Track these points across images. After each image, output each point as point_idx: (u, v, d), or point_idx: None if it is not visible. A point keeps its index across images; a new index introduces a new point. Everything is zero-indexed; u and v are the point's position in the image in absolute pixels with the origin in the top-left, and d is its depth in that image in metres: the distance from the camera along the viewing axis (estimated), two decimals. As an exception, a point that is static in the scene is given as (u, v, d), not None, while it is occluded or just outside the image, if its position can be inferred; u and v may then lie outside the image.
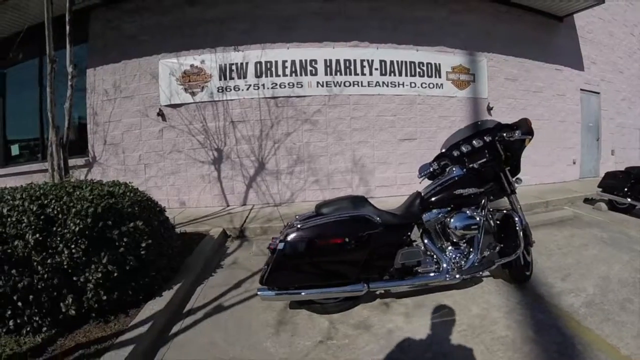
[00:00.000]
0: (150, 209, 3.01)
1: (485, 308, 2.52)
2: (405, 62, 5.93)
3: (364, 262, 2.35)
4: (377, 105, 5.87)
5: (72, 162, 5.58)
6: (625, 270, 3.11)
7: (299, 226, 2.29)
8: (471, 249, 2.62)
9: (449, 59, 6.16)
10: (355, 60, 5.74)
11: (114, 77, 5.61)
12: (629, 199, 4.87)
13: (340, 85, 5.71)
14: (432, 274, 2.55)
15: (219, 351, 2.15)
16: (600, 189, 5.33)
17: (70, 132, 3.72)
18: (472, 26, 6.31)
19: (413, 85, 6.00)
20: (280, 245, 2.23)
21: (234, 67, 5.56)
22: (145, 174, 5.70)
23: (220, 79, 5.56)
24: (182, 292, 2.90)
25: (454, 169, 2.76)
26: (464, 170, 2.70)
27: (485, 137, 2.63)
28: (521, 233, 2.60)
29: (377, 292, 2.72)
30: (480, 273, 2.62)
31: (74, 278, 2.27)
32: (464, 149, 2.71)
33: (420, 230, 2.69)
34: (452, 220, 2.56)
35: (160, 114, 5.58)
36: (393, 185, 6.01)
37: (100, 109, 5.66)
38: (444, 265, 2.54)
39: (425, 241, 2.61)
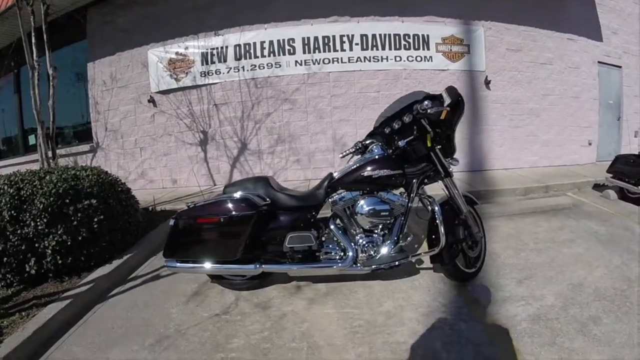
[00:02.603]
0: (110, 189, 3.32)
1: (400, 305, 2.29)
2: (389, 35, 5.69)
3: (252, 242, 2.36)
4: (359, 82, 5.73)
5: (79, 148, 6.24)
6: (610, 278, 2.51)
7: (189, 205, 2.44)
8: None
9: (439, 29, 5.80)
10: (334, 37, 5.62)
11: (110, 68, 6.09)
12: None
13: (319, 63, 5.64)
14: (334, 262, 2.41)
15: (136, 311, 2.48)
16: (610, 175, 4.56)
17: (55, 126, 4.19)
18: (467, -7, 5.86)
19: (398, 59, 5.75)
20: (171, 222, 2.39)
21: (214, 52, 5.74)
22: (141, 156, 6.15)
23: (202, 64, 5.78)
24: (133, 261, 3.27)
25: (374, 147, 2.50)
26: (388, 149, 2.43)
27: (414, 112, 2.36)
28: (442, 226, 2.31)
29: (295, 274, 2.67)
30: (397, 264, 2.36)
31: (36, 245, 2.74)
32: (395, 125, 2.40)
33: (331, 214, 2.54)
34: (359, 204, 2.37)
35: (151, 100, 5.95)
36: (378, 164, 5.84)
37: (101, 98, 6.18)
38: (350, 253, 2.37)
39: (331, 226, 2.45)
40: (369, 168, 2.34)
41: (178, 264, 2.47)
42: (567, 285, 2.43)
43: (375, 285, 2.56)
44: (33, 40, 4.07)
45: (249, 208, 2.30)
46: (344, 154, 2.59)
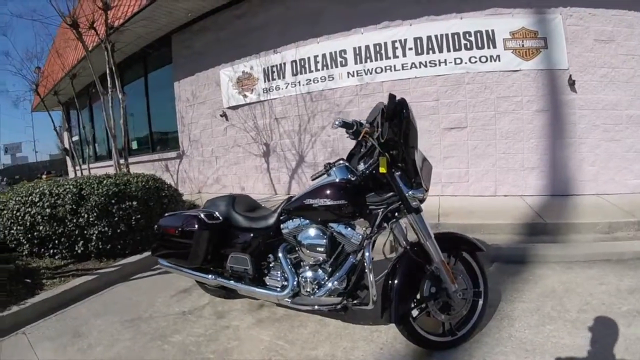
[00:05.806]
0: (155, 193, 4.13)
1: (333, 355, 2.02)
2: (447, 35, 5.26)
3: (213, 254, 2.53)
4: (415, 90, 5.49)
5: (168, 155, 7.50)
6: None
7: (165, 215, 2.87)
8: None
9: (506, 22, 5.11)
10: (385, 43, 5.47)
11: (191, 87, 7.06)
12: None
13: (371, 73, 5.59)
14: (274, 290, 2.30)
15: (136, 294, 3.12)
16: None
17: (125, 140, 5.24)
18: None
19: (459, 61, 5.30)
20: (155, 227, 2.86)
21: (274, 69, 6.17)
22: (216, 164, 7.09)
23: (264, 81, 6.29)
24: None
25: (334, 170, 2.12)
26: (350, 174, 2.07)
27: None
28: (371, 275, 1.95)
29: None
30: (339, 308, 2.05)
31: (85, 232, 3.64)
32: (368, 143, 2.07)
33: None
34: (301, 235, 2.20)
35: (223, 115, 6.76)
36: (437, 183, 5.27)
37: (185, 113, 7.26)
38: (289, 284, 2.20)
39: (279, 254, 2.31)
40: (312, 196, 2.11)
41: (165, 263, 2.84)
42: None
43: (332, 324, 2.34)
44: (107, 72, 5.12)
45: (198, 225, 2.48)
46: (314, 176, 2.24)
